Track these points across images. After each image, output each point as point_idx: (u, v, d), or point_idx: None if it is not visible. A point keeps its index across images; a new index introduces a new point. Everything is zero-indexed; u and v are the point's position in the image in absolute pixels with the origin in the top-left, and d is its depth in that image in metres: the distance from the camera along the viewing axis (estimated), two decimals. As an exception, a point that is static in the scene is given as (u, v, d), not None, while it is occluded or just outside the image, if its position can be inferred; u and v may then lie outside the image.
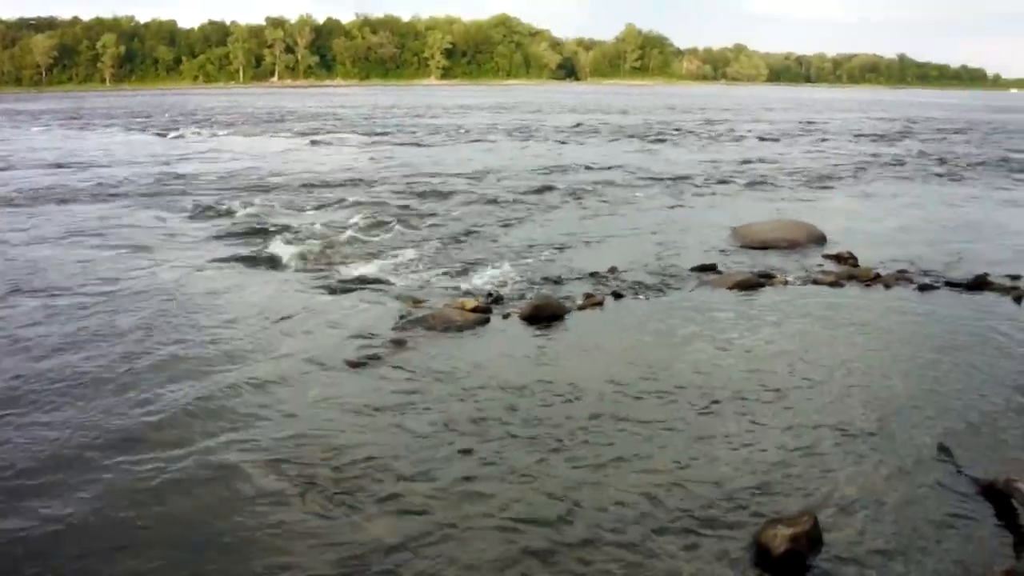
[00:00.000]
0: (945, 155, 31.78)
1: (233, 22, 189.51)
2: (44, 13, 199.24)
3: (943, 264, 12.80)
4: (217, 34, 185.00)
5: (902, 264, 12.65)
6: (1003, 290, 11.22)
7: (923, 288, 11.34)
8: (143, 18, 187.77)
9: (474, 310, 9.85)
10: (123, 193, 20.08)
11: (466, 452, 6.38)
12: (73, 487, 5.87)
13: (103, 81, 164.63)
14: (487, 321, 9.67)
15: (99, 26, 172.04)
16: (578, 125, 47.63)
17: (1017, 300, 10.79)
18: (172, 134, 40.50)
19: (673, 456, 6.33)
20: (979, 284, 11.37)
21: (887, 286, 11.47)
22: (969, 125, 53.86)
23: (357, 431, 6.77)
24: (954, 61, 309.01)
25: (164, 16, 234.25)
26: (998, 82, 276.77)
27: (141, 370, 8.07)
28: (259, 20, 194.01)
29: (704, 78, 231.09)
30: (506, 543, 5.23)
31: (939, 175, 25.44)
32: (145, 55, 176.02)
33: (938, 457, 6.26)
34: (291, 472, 6.07)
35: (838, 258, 13.05)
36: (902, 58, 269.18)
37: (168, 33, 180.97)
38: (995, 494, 5.59)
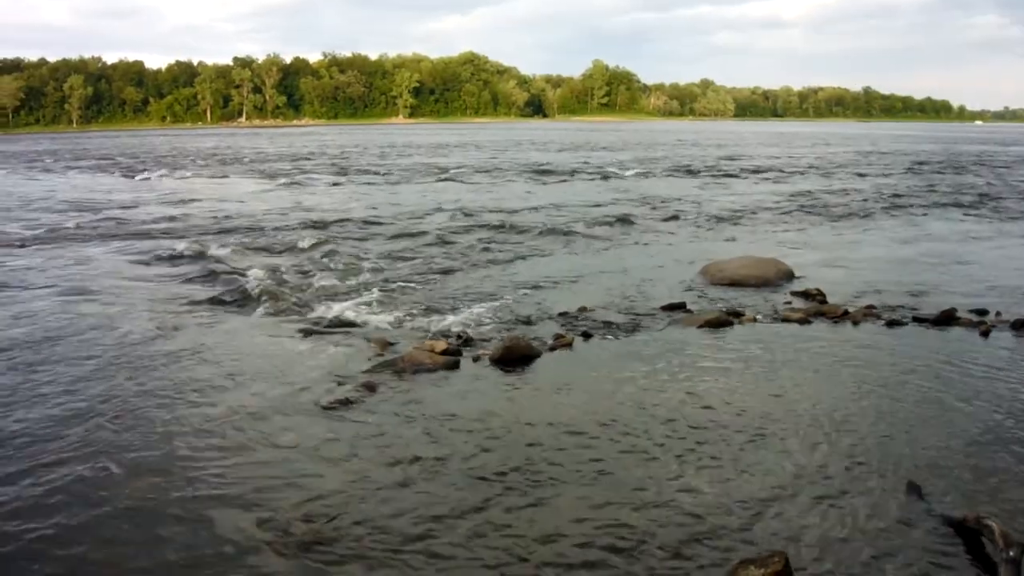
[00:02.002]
0: (909, 190, 32.15)
1: (200, 62, 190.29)
2: (10, 55, 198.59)
3: (910, 299, 12.91)
4: (184, 75, 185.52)
5: (869, 299, 12.74)
6: (970, 324, 11.31)
7: (891, 324, 11.40)
8: (110, 59, 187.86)
9: (444, 352, 9.80)
10: (87, 235, 19.94)
11: (437, 497, 6.33)
12: (45, 531, 5.77)
13: (70, 123, 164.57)
14: (457, 364, 9.63)
15: (66, 67, 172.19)
16: (546, 164, 47.78)
17: (984, 335, 10.87)
18: (139, 176, 40.33)
19: (644, 496, 6.30)
20: (946, 319, 11.44)
21: (855, 323, 11.52)
22: (934, 159, 54.52)
23: (328, 476, 6.70)
24: (919, 93, 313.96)
25: (131, 57, 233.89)
26: (963, 114, 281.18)
27: (104, 414, 7.94)
28: (227, 60, 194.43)
29: (671, 114, 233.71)
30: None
31: (903, 210, 25.73)
32: (112, 96, 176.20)
33: (908, 495, 6.26)
34: (260, 517, 6.00)
35: (806, 295, 13.12)
36: (867, 91, 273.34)
37: (135, 74, 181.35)
38: (966, 531, 5.61)
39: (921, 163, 49.84)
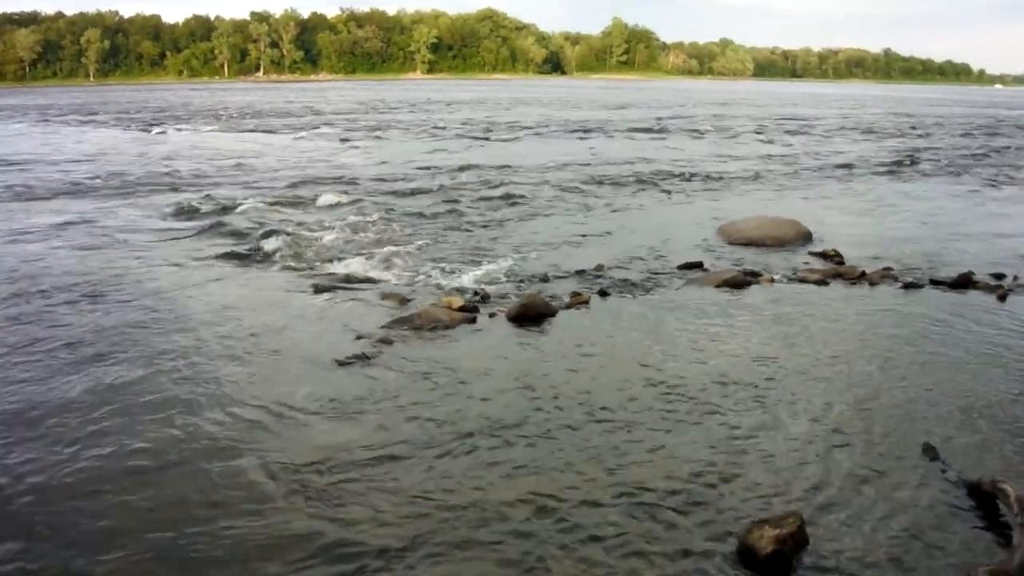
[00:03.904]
0: (931, 153, 31.94)
1: (217, 17, 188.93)
2: (27, 7, 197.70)
3: (927, 262, 12.85)
4: (201, 29, 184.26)
5: (887, 262, 12.67)
6: (987, 288, 11.25)
7: (908, 286, 11.36)
8: (127, 13, 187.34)
9: (461, 309, 9.81)
10: (106, 190, 20.01)
11: (454, 452, 6.37)
12: (59, 476, 5.85)
13: (87, 76, 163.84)
14: (474, 320, 9.64)
15: (83, 21, 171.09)
16: (566, 122, 47.53)
17: (1002, 299, 10.81)
18: (156, 130, 40.32)
19: (659, 455, 6.32)
20: (963, 283, 11.39)
21: (872, 284, 11.48)
22: (956, 121, 54.07)
23: (344, 430, 6.74)
24: (939, 55, 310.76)
25: (148, 11, 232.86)
26: (983, 77, 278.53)
27: (124, 367, 8.00)
28: (244, 15, 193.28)
29: (690, 72, 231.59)
30: (493, 543, 5.22)
31: (917, 174, 25.54)
32: (129, 50, 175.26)
33: (923, 457, 6.26)
34: (277, 471, 6.05)
35: (824, 256, 13.08)
36: (887, 52, 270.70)
37: (152, 28, 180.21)
38: (981, 494, 5.61)
39: (941, 126, 49.36)
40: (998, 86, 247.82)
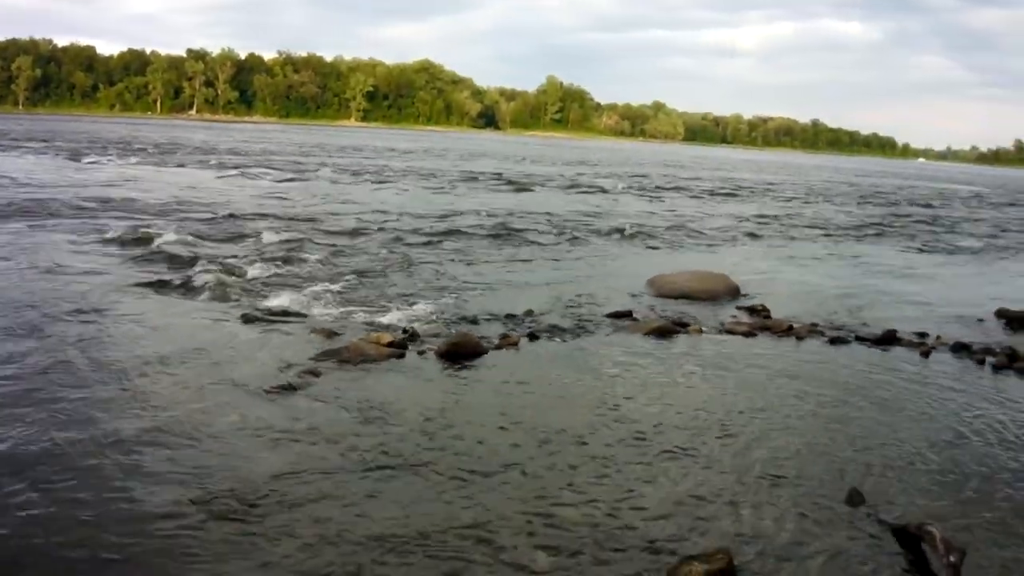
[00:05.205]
0: (856, 219, 32.74)
1: (153, 52, 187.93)
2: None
3: (852, 319, 13.04)
4: (136, 63, 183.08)
5: (814, 318, 12.84)
6: (911, 345, 11.48)
7: (834, 341, 11.52)
8: (61, 42, 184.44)
9: (390, 344, 9.71)
10: (31, 216, 19.51)
11: (375, 483, 6.26)
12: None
13: (16, 104, 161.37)
14: (403, 356, 9.56)
15: (14, 47, 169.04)
16: (500, 174, 47.82)
17: (925, 355, 11.03)
18: (86, 160, 39.68)
19: (585, 495, 6.25)
20: (888, 339, 11.62)
21: (800, 338, 11.62)
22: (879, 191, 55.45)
23: (265, 458, 6.59)
24: (865, 128, 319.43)
25: (83, 41, 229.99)
26: (907, 151, 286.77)
27: (44, 395, 7.74)
28: (180, 51, 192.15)
29: (623, 134, 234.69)
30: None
31: (846, 236, 26.21)
32: (61, 80, 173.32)
33: (850, 502, 6.29)
34: (193, 495, 5.87)
35: (751, 310, 13.21)
36: (815, 123, 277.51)
37: (86, 59, 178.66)
38: (907, 537, 5.64)
39: (866, 196, 50.62)
40: (921, 160, 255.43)
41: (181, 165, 40.38)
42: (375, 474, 6.42)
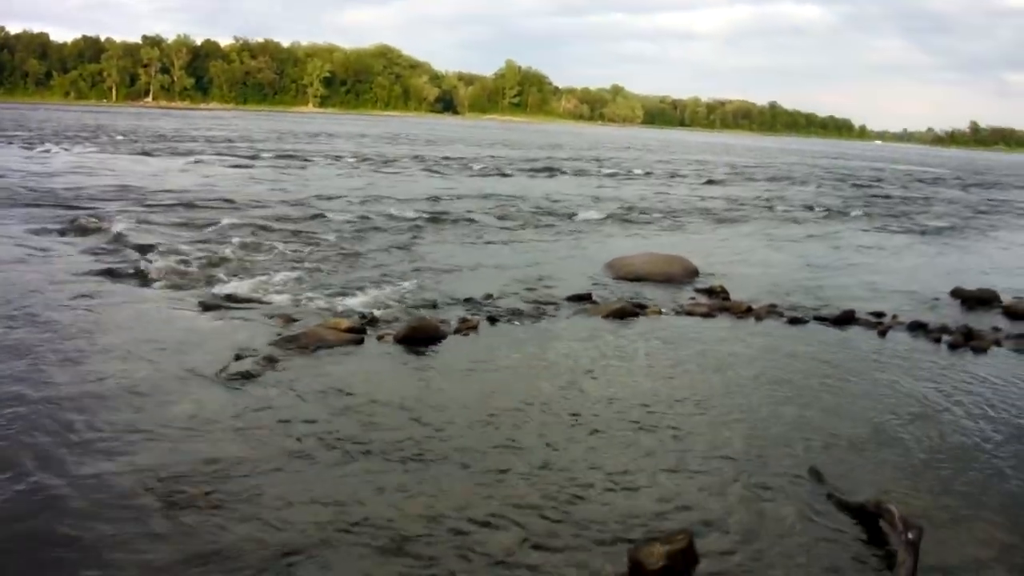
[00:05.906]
0: (813, 200, 32.95)
1: (108, 39, 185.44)
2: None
3: (811, 300, 13.11)
4: (91, 50, 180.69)
5: (772, 299, 12.89)
6: (868, 325, 11.59)
7: (793, 321, 11.59)
8: (13, 29, 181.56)
9: (348, 330, 9.64)
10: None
11: (333, 468, 6.20)
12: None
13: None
14: (361, 341, 9.49)
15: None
16: (461, 157, 47.72)
17: (882, 334, 11.14)
18: (39, 148, 39.10)
19: (547, 477, 6.23)
20: (846, 319, 11.70)
21: (758, 319, 11.67)
22: (833, 173, 55.86)
23: (221, 445, 6.50)
24: (822, 110, 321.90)
25: (36, 28, 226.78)
26: (864, 133, 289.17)
27: (-7, 382, 7.63)
28: (135, 38, 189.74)
29: (581, 117, 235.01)
30: (371, 562, 5.06)
31: (805, 218, 26.38)
32: (14, 67, 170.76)
33: (810, 480, 6.32)
34: (155, 485, 5.77)
35: (710, 292, 13.25)
36: (773, 106, 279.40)
37: (39, 46, 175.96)
38: (866, 514, 5.67)
39: (823, 177, 51.00)
40: (878, 142, 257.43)
41: (139, 153, 39.83)
42: (331, 459, 6.37)
